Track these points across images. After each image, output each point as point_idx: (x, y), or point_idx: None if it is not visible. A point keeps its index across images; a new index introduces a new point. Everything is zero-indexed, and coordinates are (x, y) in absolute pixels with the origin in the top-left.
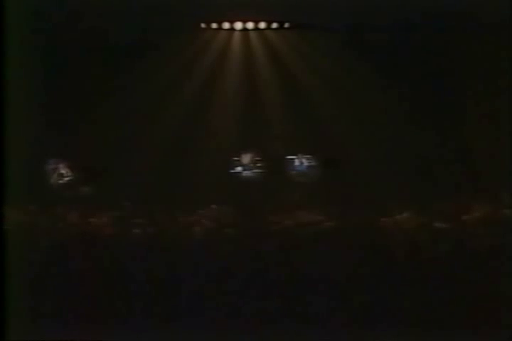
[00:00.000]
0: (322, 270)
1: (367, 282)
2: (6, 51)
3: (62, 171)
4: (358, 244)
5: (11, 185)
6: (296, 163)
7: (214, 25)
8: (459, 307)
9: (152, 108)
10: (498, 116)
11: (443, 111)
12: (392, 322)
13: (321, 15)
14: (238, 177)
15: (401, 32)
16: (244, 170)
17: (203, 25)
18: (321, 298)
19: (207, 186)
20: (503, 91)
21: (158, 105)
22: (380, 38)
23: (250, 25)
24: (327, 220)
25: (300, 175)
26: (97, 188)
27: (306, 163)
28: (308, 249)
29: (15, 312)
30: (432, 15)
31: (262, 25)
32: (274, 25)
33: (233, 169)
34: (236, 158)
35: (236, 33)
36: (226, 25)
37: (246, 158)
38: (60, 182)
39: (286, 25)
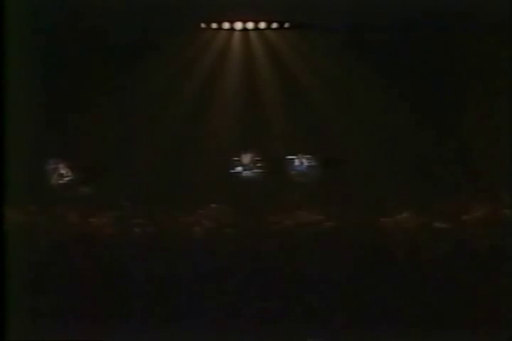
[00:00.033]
0: (322, 270)
1: (367, 282)
2: (6, 51)
3: (62, 171)
4: (357, 244)
5: (11, 185)
6: (296, 163)
7: (214, 25)
8: (459, 307)
9: (152, 108)
10: (498, 116)
11: (443, 111)
12: (392, 322)
13: (321, 15)
14: (238, 177)
15: (401, 32)
16: (244, 170)
17: (203, 25)
18: (320, 298)
19: (207, 186)
20: (503, 91)
21: (159, 105)
22: (380, 38)
23: (250, 25)
24: (327, 220)
25: (300, 175)
26: (97, 188)
27: (306, 163)
28: (308, 249)
29: (15, 312)
30: (432, 15)
31: (262, 25)
32: (274, 25)
33: (233, 169)
34: (236, 158)
35: (236, 33)
36: (226, 25)
37: (246, 158)
38: (60, 182)
39: (286, 25)
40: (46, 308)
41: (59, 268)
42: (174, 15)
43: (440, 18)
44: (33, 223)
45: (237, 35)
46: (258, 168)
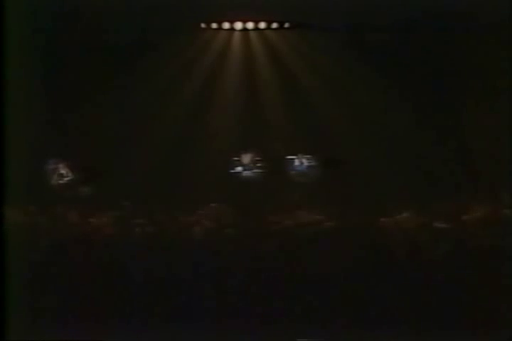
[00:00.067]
0: (322, 270)
1: (367, 282)
2: (6, 51)
3: (62, 171)
4: (357, 244)
5: (11, 185)
6: (296, 163)
7: (214, 26)
8: (459, 307)
9: (152, 108)
10: (499, 116)
11: (443, 111)
12: (392, 322)
13: (321, 15)
14: (238, 177)
15: (401, 32)
16: (244, 170)
17: (203, 26)
18: (321, 298)
19: (207, 186)
20: (503, 91)
21: (159, 105)
22: (380, 38)
23: (250, 25)
24: (327, 220)
25: (300, 175)
26: (97, 188)
27: (306, 163)
28: (308, 249)
29: (15, 312)
30: (432, 15)
31: (262, 25)
32: (274, 25)
33: (233, 169)
34: (236, 158)
35: (236, 33)
36: (226, 26)
37: (246, 158)
38: (60, 182)
39: (286, 25)
40: (46, 308)
41: (59, 268)
42: (174, 15)
43: (440, 18)
44: (33, 223)
45: (237, 35)
46: (258, 168)
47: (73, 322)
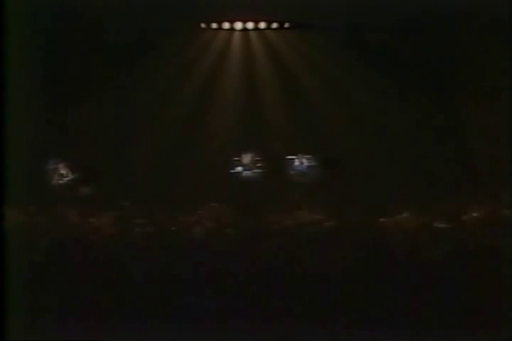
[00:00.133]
0: (322, 270)
1: (366, 282)
2: (6, 51)
3: (62, 171)
4: (357, 244)
5: (11, 185)
6: (296, 163)
7: (214, 25)
8: (459, 307)
9: (152, 108)
10: (499, 116)
11: (443, 111)
12: (392, 322)
13: (321, 15)
14: (238, 177)
15: (401, 32)
16: (245, 170)
17: (203, 25)
18: (321, 298)
19: (207, 186)
20: (503, 91)
21: (159, 105)
22: (380, 38)
23: (250, 25)
24: (327, 220)
25: (300, 175)
26: (97, 188)
27: (306, 163)
28: (308, 249)
29: (15, 312)
30: (432, 15)
31: (262, 25)
32: (274, 25)
33: (233, 169)
34: (236, 158)
35: (236, 33)
36: (226, 26)
37: (246, 158)
38: (60, 182)
39: (286, 25)
40: (46, 308)
41: (59, 268)
42: (174, 15)
43: (440, 18)
44: (33, 223)
45: (237, 35)
46: (258, 168)
47: (73, 322)
